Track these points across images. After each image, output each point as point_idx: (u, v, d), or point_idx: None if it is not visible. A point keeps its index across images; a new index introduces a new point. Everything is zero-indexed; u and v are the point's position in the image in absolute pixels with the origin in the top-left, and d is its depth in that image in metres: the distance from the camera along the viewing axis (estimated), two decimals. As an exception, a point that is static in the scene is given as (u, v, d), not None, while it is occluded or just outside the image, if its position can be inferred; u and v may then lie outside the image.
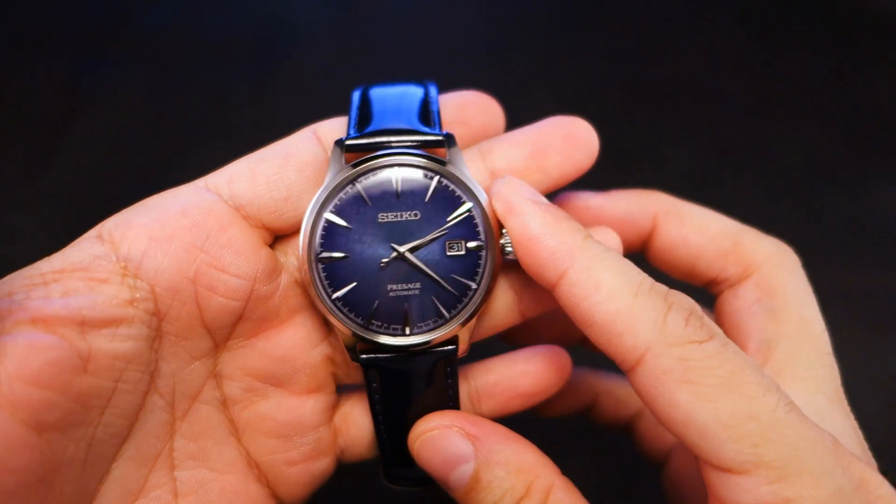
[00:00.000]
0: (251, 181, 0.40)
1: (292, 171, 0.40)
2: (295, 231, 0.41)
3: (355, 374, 0.43)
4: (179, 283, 0.37)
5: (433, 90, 0.44)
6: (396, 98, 0.44)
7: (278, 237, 0.42)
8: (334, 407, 0.44)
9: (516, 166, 0.42)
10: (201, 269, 0.38)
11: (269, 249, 0.40)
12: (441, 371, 0.42)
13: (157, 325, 0.37)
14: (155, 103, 0.81)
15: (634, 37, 0.89)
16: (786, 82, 0.84)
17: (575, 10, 0.93)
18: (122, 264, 0.36)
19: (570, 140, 0.42)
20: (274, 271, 0.40)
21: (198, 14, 0.90)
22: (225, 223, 0.39)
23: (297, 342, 0.41)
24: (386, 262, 0.40)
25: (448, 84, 0.82)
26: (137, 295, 0.36)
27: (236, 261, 0.38)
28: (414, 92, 0.44)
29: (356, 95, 0.44)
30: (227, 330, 0.40)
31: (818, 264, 0.70)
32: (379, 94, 0.44)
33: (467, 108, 0.44)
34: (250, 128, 0.78)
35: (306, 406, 0.42)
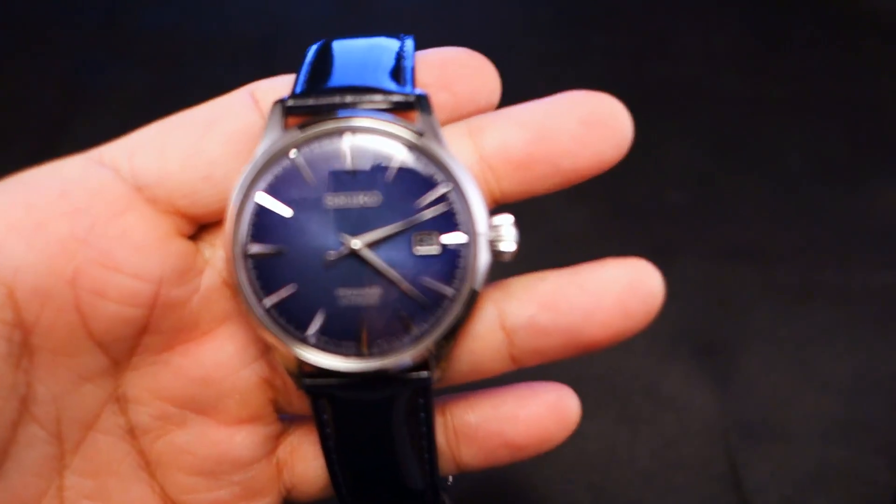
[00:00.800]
0: (159, 155, 0.31)
1: (216, 142, 0.31)
2: (222, 218, 0.32)
3: (299, 404, 0.34)
4: (52, 286, 0.29)
5: (409, 43, 0.34)
6: (361, 51, 0.34)
7: (204, 226, 0.33)
8: (277, 437, 0.35)
9: (514, 153, 0.32)
10: (83, 268, 0.29)
11: (184, 242, 0.32)
12: (411, 403, 0.32)
13: (22, 339, 0.29)
14: (155, 103, 0.81)
15: (634, 37, 0.89)
16: (786, 82, 0.84)
17: (575, 10, 0.93)
18: None
19: (592, 124, 0.31)
20: (190, 270, 0.31)
21: (198, 14, 0.90)
22: (119, 208, 0.30)
23: (224, 360, 0.32)
24: (334, 260, 0.31)
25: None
26: None
27: (134, 257, 0.30)
28: (385, 45, 0.34)
29: (311, 49, 0.34)
30: (127, 344, 0.31)
31: (818, 264, 0.70)
32: (340, 46, 0.34)
33: (451, 69, 0.33)
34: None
35: (236, 439, 0.33)
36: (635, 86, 0.84)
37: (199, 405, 0.33)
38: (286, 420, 0.36)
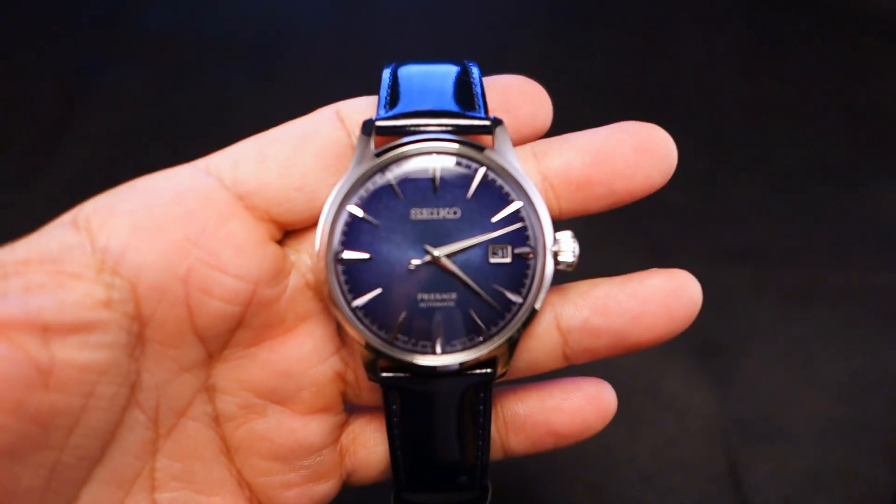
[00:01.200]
0: (259, 165, 0.34)
1: (309, 155, 0.34)
2: (308, 226, 0.35)
3: (368, 396, 0.38)
4: (168, 283, 0.32)
5: (475, 70, 0.39)
6: (437, 77, 0.38)
7: (288, 232, 0.36)
8: (342, 426, 0.38)
9: (575, 175, 0.36)
10: (194, 267, 0.32)
11: (276, 246, 0.35)
12: (472, 397, 0.36)
13: (139, 331, 0.32)
14: (155, 103, 0.81)
15: (634, 37, 0.89)
16: (786, 82, 0.84)
17: (575, 10, 0.93)
18: (100, 257, 0.31)
19: (644, 152, 0.35)
20: (281, 272, 0.35)
21: (198, 14, 0.90)
22: (225, 214, 0.33)
23: (304, 355, 0.36)
24: (417, 267, 0.34)
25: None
26: (115, 295, 0.31)
27: (237, 259, 0.33)
28: (454, 70, 0.38)
29: (387, 73, 0.38)
30: (223, 338, 0.34)
31: (818, 264, 0.70)
32: (413, 71, 0.38)
33: (512, 95, 0.37)
34: (251, 128, 0.78)
35: (310, 427, 0.36)
36: (635, 86, 0.84)
37: (280, 396, 0.36)
38: (349, 410, 0.39)
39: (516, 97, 0.37)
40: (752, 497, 0.56)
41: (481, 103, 0.36)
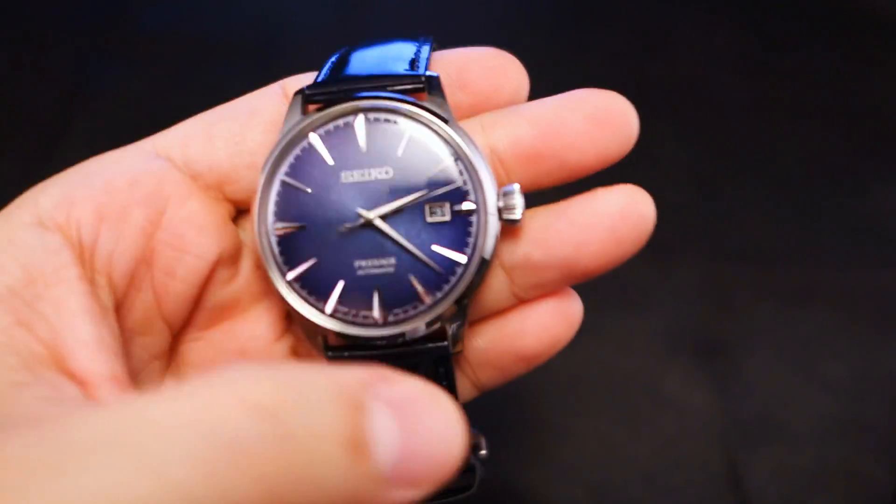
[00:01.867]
0: (208, 144, 0.33)
1: (257, 131, 0.34)
2: None
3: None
4: (136, 269, 0.31)
5: (425, 46, 0.36)
6: (380, 49, 0.37)
7: (241, 211, 0.35)
8: None
9: (524, 148, 0.34)
10: (158, 250, 0.32)
11: (233, 226, 0.34)
12: (432, 373, 0.34)
13: (117, 322, 0.31)
14: (155, 103, 0.81)
15: (634, 37, 0.89)
16: (786, 82, 0.84)
17: (575, 10, 0.93)
18: (77, 254, 0.30)
19: (599, 122, 0.33)
20: (237, 252, 0.34)
21: (198, 14, 0.90)
22: (183, 194, 0.32)
23: (258, 334, 0.35)
24: (350, 231, 0.33)
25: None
26: (101, 294, 0.30)
27: (199, 238, 0.32)
28: (403, 45, 0.37)
29: (335, 55, 0.38)
30: (183, 321, 0.34)
31: (818, 264, 0.70)
32: (361, 47, 0.38)
33: (470, 69, 0.35)
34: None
35: None
36: (635, 86, 0.83)
37: None
38: None
39: (474, 71, 0.35)
40: (752, 497, 0.56)
41: (422, 67, 0.34)
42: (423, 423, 0.25)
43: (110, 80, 0.82)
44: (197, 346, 0.35)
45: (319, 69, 0.37)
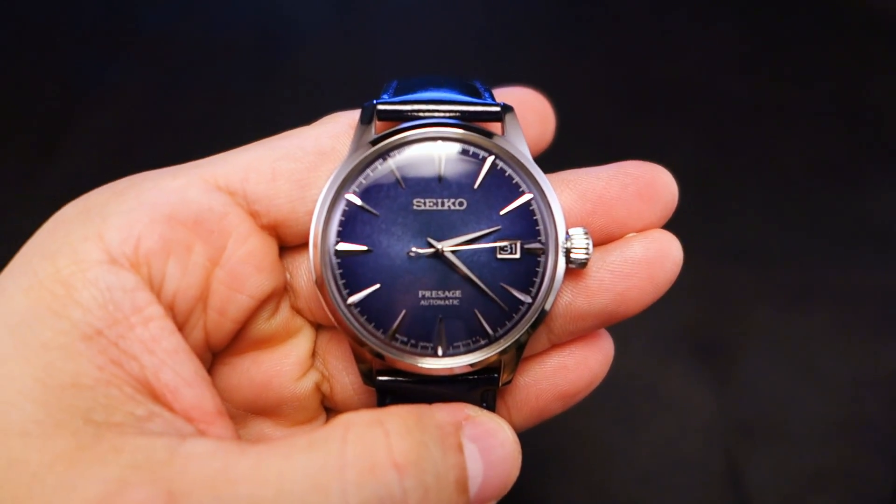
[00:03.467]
0: (271, 184, 0.32)
1: (323, 176, 0.32)
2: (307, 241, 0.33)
3: (344, 404, 0.36)
4: (191, 308, 0.31)
5: (478, 83, 0.37)
6: (441, 78, 0.36)
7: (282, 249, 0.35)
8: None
9: (571, 220, 0.34)
10: (214, 288, 0.31)
11: (282, 264, 0.34)
12: (475, 402, 0.33)
13: None
14: (155, 103, 0.81)
15: (634, 37, 0.89)
16: (786, 82, 0.84)
17: (575, 10, 0.93)
18: (155, 295, 0.29)
19: (646, 197, 0.34)
20: (283, 289, 0.34)
21: (198, 14, 0.90)
22: (243, 232, 0.32)
23: (285, 370, 0.35)
24: (418, 260, 0.32)
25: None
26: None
27: (254, 279, 0.32)
28: (456, 77, 0.37)
29: (392, 82, 0.36)
30: (222, 350, 0.34)
31: (818, 264, 0.70)
32: (416, 78, 0.36)
33: (525, 111, 0.36)
34: (251, 127, 0.78)
35: None
36: (635, 86, 0.84)
37: (260, 407, 0.35)
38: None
39: (528, 113, 0.36)
40: (752, 497, 0.56)
41: (489, 96, 0.35)
42: (496, 453, 0.29)
43: (110, 80, 0.82)
44: (223, 369, 0.34)
45: (383, 89, 0.35)
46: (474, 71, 0.86)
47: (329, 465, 0.26)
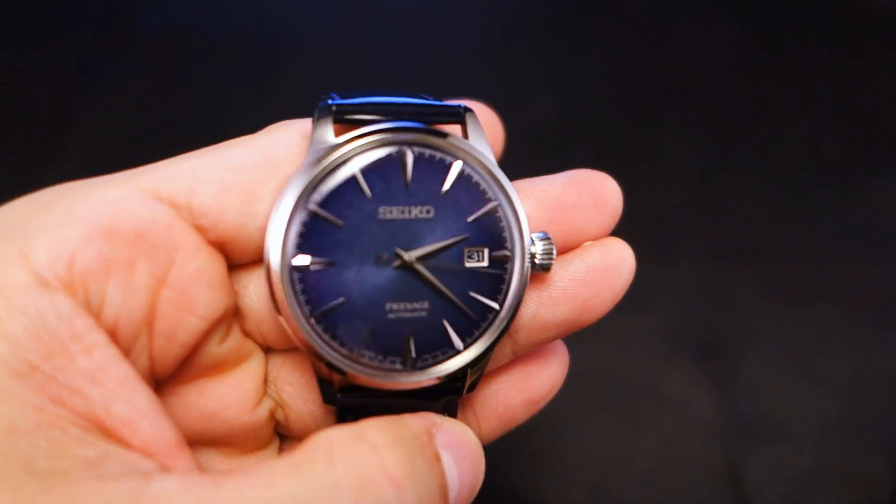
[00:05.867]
0: (219, 195, 0.29)
1: (274, 189, 0.30)
2: (258, 259, 0.30)
3: (299, 430, 0.34)
4: (139, 333, 0.27)
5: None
6: (393, 90, 0.35)
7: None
8: (279, 452, 0.35)
9: (532, 226, 0.34)
10: (161, 310, 0.28)
11: (231, 282, 0.31)
12: (437, 412, 0.32)
13: None
14: (155, 103, 0.81)
15: (634, 37, 0.89)
16: (786, 82, 0.84)
17: (575, 10, 0.93)
18: (95, 319, 0.26)
19: (600, 205, 0.35)
20: (234, 310, 0.31)
21: (198, 14, 0.90)
22: (191, 247, 0.29)
23: (237, 399, 0.32)
24: (385, 272, 0.30)
25: (448, 83, 0.83)
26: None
27: (205, 298, 0.29)
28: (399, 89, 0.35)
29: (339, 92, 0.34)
30: (166, 379, 0.30)
31: (818, 264, 0.70)
32: (364, 90, 0.35)
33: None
34: (250, 127, 0.78)
35: (247, 468, 0.32)
36: (635, 86, 0.84)
37: (207, 439, 0.32)
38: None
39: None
40: (752, 497, 0.56)
41: (444, 100, 0.33)
42: (466, 459, 0.29)
43: (110, 80, 0.82)
44: (167, 400, 0.31)
45: (325, 98, 0.33)
46: (475, 71, 0.86)
47: (321, 488, 0.24)
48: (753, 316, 0.65)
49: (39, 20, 0.88)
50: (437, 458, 0.28)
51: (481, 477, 0.30)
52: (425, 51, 0.87)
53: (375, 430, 0.27)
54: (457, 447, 0.29)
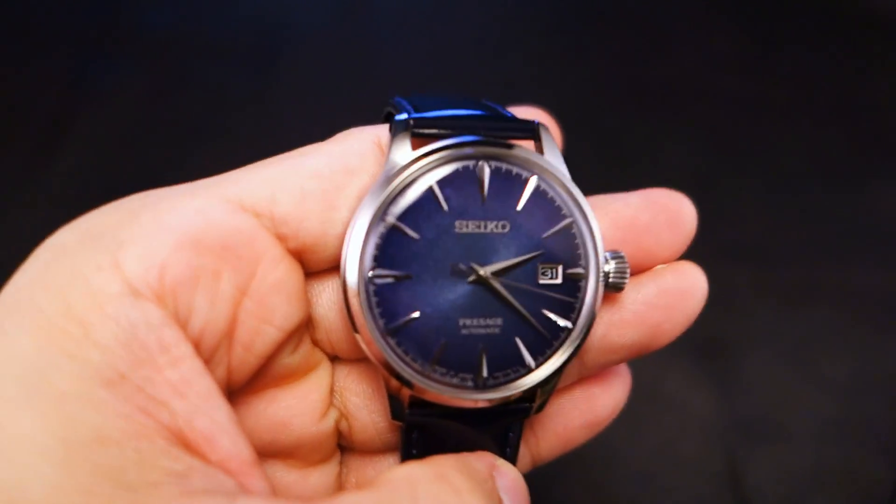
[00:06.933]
0: (299, 205, 0.29)
1: (352, 196, 0.30)
2: (332, 267, 0.30)
3: (373, 439, 0.34)
4: (220, 343, 0.28)
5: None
6: (454, 95, 0.34)
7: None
8: (340, 465, 0.35)
9: (606, 245, 0.33)
10: (242, 321, 0.28)
11: (307, 292, 0.31)
12: (503, 431, 0.32)
13: None
14: (155, 103, 0.81)
15: (634, 37, 0.89)
16: (786, 82, 0.84)
17: (575, 10, 0.93)
18: (182, 332, 0.26)
19: (674, 225, 0.35)
20: (308, 320, 0.31)
21: (198, 14, 0.90)
22: (272, 258, 0.28)
23: (305, 410, 0.32)
24: (460, 286, 0.30)
25: (448, 83, 0.83)
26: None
27: (284, 309, 0.29)
28: (470, 97, 0.35)
29: (398, 98, 0.34)
30: (241, 388, 0.30)
31: (818, 264, 0.70)
32: (430, 94, 0.35)
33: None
34: (250, 127, 0.78)
35: (309, 480, 0.33)
36: (635, 86, 0.84)
37: (275, 450, 0.32)
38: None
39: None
40: (752, 497, 0.56)
41: (509, 113, 0.33)
42: (521, 502, 0.30)
43: (110, 80, 0.83)
44: (238, 410, 0.31)
45: (395, 106, 0.33)
46: (474, 71, 0.86)
47: None
48: (753, 316, 0.65)
49: (39, 21, 0.88)
50: (500, 500, 0.29)
51: None
52: (425, 50, 0.87)
53: (454, 471, 0.27)
54: (513, 492, 0.30)
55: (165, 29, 0.88)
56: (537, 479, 0.56)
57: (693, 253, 0.72)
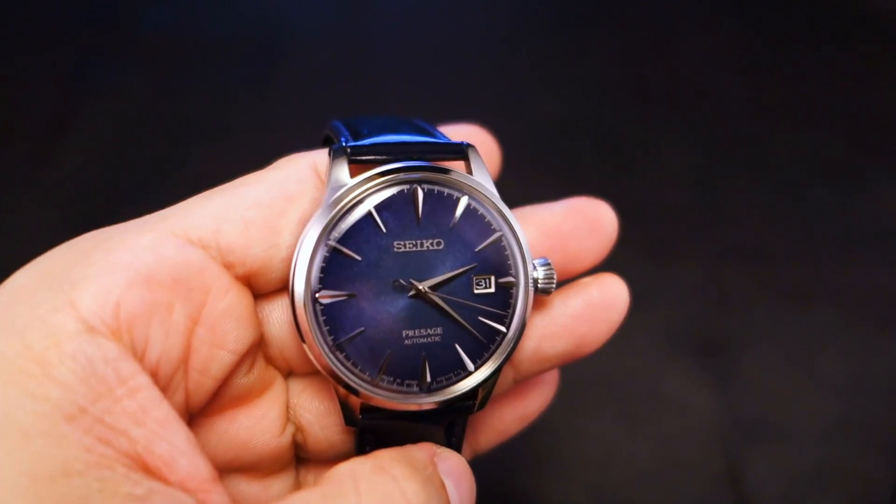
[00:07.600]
0: (244, 234, 0.31)
1: (293, 222, 0.32)
2: (280, 288, 0.33)
3: (326, 447, 0.36)
4: (176, 371, 0.29)
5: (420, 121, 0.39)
6: (390, 119, 0.38)
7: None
8: (297, 471, 0.37)
9: (532, 253, 0.37)
10: (196, 347, 0.30)
11: (258, 314, 0.33)
12: (448, 425, 0.35)
13: None
14: (155, 103, 0.81)
15: (634, 37, 0.89)
16: (786, 82, 0.84)
17: (575, 10, 0.93)
18: (138, 364, 0.27)
19: (596, 230, 0.38)
20: (260, 341, 0.33)
21: (198, 14, 0.90)
22: (223, 287, 0.31)
23: (265, 427, 0.34)
24: (400, 301, 0.33)
25: (448, 83, 0.83)
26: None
27: (238, 333, 0.31)
28: (402, 118, 0.39)
29: (336, 123, 0.37)
30: (199, 412, 0.32)
31: (818, 264, 0.70)
32: (362, 118, 0.38)
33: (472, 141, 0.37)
34: (250, 128, 0.78)
35: (272, 489, 0.35)
36: (635, 86, 0.84)
37: (237, 466, 0.34)
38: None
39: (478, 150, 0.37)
40: (752, 496, 0.56)
41: (440, 134, 0.36)
42: (464, 484, 0.32)
43: (110, 80, 0.83)
44: (199, 432, 0.32)
45: (334, 130, 0.36)
46: (475, 71, 0.86)
47: None
48: (753, 316, 0.65)
49: (39, 20, 0.88)
50: (443, 485, 0.31)
51: (475, 499, 0.33)
52: (424, 51, 0.87)
53: (393, 462, 0.29)
54: (456, 474, 0.32)
55: (165, 28, 0.88)
56: (537, 479, 0.56)
57: (693, 253, 0.73)
